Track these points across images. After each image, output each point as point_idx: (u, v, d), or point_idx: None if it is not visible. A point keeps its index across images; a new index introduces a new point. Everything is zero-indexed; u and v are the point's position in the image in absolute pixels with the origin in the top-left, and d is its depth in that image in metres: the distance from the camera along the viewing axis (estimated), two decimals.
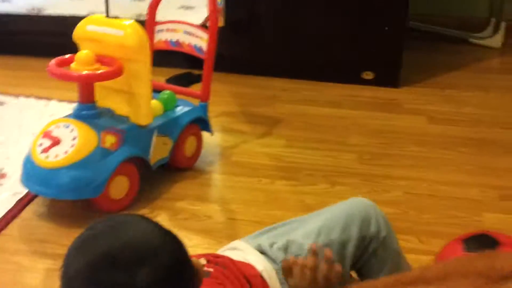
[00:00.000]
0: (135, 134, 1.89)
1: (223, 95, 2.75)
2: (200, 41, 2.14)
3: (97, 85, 1.95)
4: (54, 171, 1.75)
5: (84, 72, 1.79)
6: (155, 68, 1.95)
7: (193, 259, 1.02)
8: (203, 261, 1.29)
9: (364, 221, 1.36)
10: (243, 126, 2.47)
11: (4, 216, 1.79)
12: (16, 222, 1.80)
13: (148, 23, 2.20)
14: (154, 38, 2.21)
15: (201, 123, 2.17)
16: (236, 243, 1.38)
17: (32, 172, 1.78)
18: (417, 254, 1.62)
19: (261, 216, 1.87)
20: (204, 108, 2.15)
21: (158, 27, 2.21)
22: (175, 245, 0.96)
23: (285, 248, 1.31)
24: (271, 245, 1.32)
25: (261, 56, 2.95)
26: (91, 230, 0.94)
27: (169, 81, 2.78)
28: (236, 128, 2.45)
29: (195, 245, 1.71)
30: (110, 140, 1.81)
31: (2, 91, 2.67)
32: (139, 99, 1.89)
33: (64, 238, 1.72)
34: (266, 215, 1.88)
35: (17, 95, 2.62)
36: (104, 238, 0.91)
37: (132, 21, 1.85)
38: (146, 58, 1.86)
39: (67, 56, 1.84)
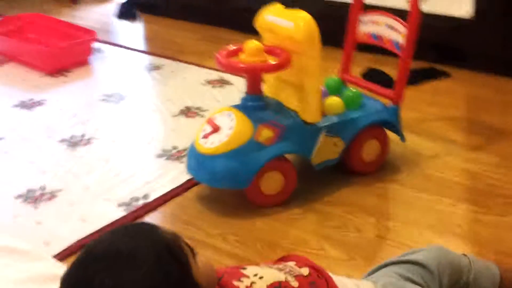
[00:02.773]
0: (297, 131, 1.81)
1: (456, 97, 2.48)
2: (399, 37, 1.95)
3: (272, 77, 1.93)
4: (208, 158, 1.78)
5: (250, 63, 1.77)
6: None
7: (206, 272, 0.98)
8: (305, 271, 1.22)
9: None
10: (458, 134, 2.20)
11: (168, 192, 1.89)
12: (177, 200, 1.88)
13: (352, 13, 2.08)
14: (358, 30, 2.08)
15: (391, 126, 1.99)
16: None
17: (193, 156, 1.84)
18: None
19: (415, 241, 1.65)
20: (394, 111, 1.96)
21: (362, 18, 2.07)
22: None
23: None
24: None
25: None
26: (87, 263, 0.92)
27: (366, 76, 2.59)
28: (449, 137, 2.19)
29: (325, 256, 1.60)
30: (266, 134, 1.77)
31: None
32: (307, 95, 1.81)
33: (206, 225, 1.75)
34: (422, 240, 1.65)
35: None
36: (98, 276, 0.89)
37: (304, 14, 1.77)
38: (315, 52, 1.76)
39: (235, 47, 1.84)
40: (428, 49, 2.75)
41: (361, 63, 2.69)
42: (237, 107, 1.84)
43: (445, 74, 2.65)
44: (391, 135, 2.02)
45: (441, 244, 1.61)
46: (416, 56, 2.70)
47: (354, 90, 1.97)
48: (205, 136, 1.81)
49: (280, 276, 1.17)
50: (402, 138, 2.01)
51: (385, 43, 2.01)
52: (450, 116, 2.34)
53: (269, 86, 1.95)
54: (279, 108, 1.86)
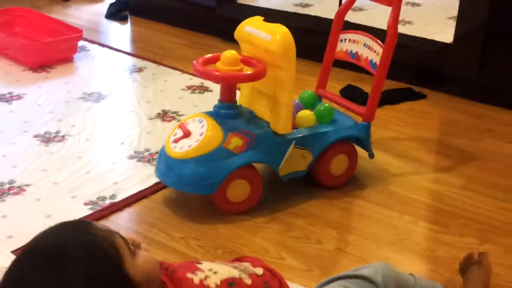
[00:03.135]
0: (267, 141, 1.84)
1: (430, 118, 2.52)
2: (376, 56, 1.99)
3: (247, 86, 1.96)
4: (176, 162, 1.80)
5: (224, 72, 1.80)
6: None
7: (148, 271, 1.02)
8: (259, 271, 1.26)
9: None
10: (428, 156, 2.24)
11: (136, 194, 1.91)
12: (144, 202, 1.90)
13: (333, 31, 2.12)
14: (337, 47, 2.12)
15: (361, 143, 2.03)
16: None
17: (162, 160, 1.86)
18: None
19: (373, 255, 1.69)
20: (365, 128, 2.00)
21: (341, 36, 2.11)
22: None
23: None
24: None
25: (491, 80, 2.61)
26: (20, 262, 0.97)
27: (343, 92, 2.65)
28: (419, 157, 2.22)
29: (283, 266, 1.62)
30: (235, 142, 1.80)
31: None
32: (280, 107, 1.84)
33: (170, 228, 1.77)
34: (380, 256, 1.69)
35: None
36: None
37: (283, 28, 1.81)
38: (290, 66, 1.80)
39: (210, 55, 1.87)
40: (407, 70, 2.80)
41: (342, 80, 2.74)
42: (209, 114, 1.87)
43: (421, 96, 2.70)
44: (360, 151, 2.06)
45: (398, 260, 1.67)
46: (396, 77, 2.79)
47: (326, 105, 2.00)
48: (176, 141, 1.84)
49: (234, 273, 1.20)
50: (371, 155, 2.05)
51: (361, 62, 2.05)
52: (422, 137, 2.37)
53: (244, 96, 1.99)
54: (251, 117, 1.89)
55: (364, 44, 2.04)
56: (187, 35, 3.32)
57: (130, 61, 2.96)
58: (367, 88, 2.57)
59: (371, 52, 2.02)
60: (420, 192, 2.01)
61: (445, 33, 2.85)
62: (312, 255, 1.69)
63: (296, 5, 3.66)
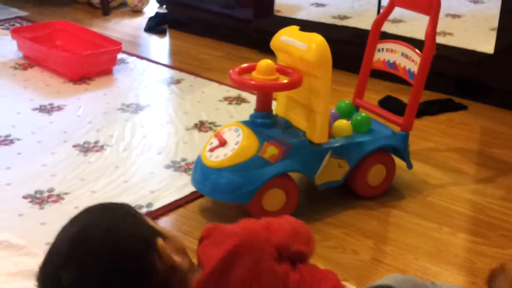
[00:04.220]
0: (303, 151, 1.83)
1: (470, 129, 2.48)
2: (414, 66, 1.97)
3: (284, 96, 1.96)
4: (212, 171, 1.80)
5: (260, 81, 1.80)
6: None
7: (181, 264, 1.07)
8: None
9: None
10: (468, 166, 2.20)
11: (172, 203, 1.92)
12: (180, 211, 1.91)
13: (370, 40, 2.10)
14: (374, 57, 2.11)
15: (399, 153, 2.01)
16: None
17: (198, 169, 1.87)
18: None
19: (410, 266, 1.67)
20: (402, 138, 1.97)
21: (379, 46, 2.09)
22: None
23: None
24: None
25: None
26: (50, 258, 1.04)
27: (382, 103, 2.62)
28: (458, 168, 2.18)
29: None
30: (271, 151, 1.80)
31: None
32: (316, 116, 1.83)
33: None
34: (418, 267, 1.66)
35: None
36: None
37: (318, 36, 1.80)
38: (326, 75, 1.79)
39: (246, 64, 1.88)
40: (448, 81, 2.77)
41: (380, 91, 2.71)
42: (245, 123, 1.87)
43: (462, 107, 2.66)
44: (399, 162, 2.03)
45: (437, 271, 1.65)
46: (436, 88, 2.76)
47: (363, 115, 1.99)
48: (212, 150, 1.84)
49: None
50: (409, 165, 2.02)
51: (399, 71, 2.03)
52: (461, 148, 2.33)
53: (280, 105, 1.98)
54: (287, 126, 1.89)
55: (402, 54, 2.02)
56: (225, 47, 3.34)
57: (168, 73, 2.99)
58: (405, 99, 2.53)
59: (409, 61, 2.00)
60: (460, 203, 1.97)
61: (487, 44, 2.80)
62: (347, 265, 1.67)
63: (334, 17, 3.66)
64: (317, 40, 1.79)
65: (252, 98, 2.57)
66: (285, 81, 1.81)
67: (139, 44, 3.51)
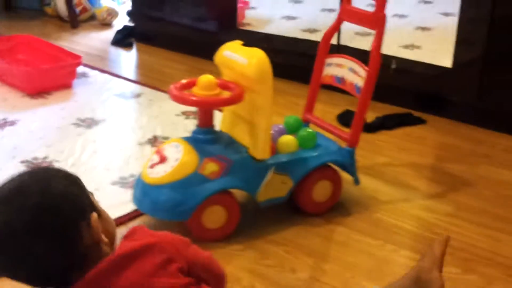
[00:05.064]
0: (245, 167, 1.81)
1: (427, 144, 2.47)
2: (361, 81, 1.95)
3: (228, 111, 1.94)
4: (151, 188, 1.78)
5: (200, 96, 1.78)
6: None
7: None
8: None
9: None
10: (419, 182, 2.18)
11: (115, 220, 1.88)
12: (121, 229, 1.87)
13: (319, 55, 2.09)
14: (323, 72, 2.09)
15: (346, 168, 1.99)
16: None
17: (138, 186, 1.84)
18: None
19: (348, 284, 1.64)
20: (349, 153, 1.96)
21: (328, 60, 2.08)
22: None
23: None
24: None
25: (490, 105, 2.55)
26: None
27: (340, 117, 2.62)
28: (409, 183, 2.16)
29: None
30: (211, 167, 1.77)
31: None
32: (258, 132, 1.81)
33: None
34: (355, 285, 1.64)
35: None
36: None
37: (259, 52, 1.78)
38: (266, 90, 1.77)
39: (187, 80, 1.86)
40: (408, 95, 2.76)
41: (339, 105, 2.70)
42: (186, 139, 1.85)
43: (420, 121, 2.64)
44: (348, 177, 2.01)
45: None
46: (396, 102, 2.75)
47: (309, 130, 1.97)
48: (152, 166, 1.82)
49: None
50: (356, 181, 2.00)
51: (346, 86, 2.02)
52: (415, 163, 2.32)
53: (225, 121, 1.97)
54: (230, 143, 1.87)
55: (349, 68, 2.01)
56: (190, 61, 3.32)
57: (129, 87, 2.96)
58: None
59: (356, 76, 1.98)
60: (407, 220, 1.95)
61: (448, 58, 2.80)
62: (285, 284, 1.65)
63: (304, 30, 3.65)
64: (257, 55, 1.77)
65: (217, 114, 2.54)
66: (225, 96, 1.79)
67: (105, 57, 3.49)
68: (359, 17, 2.00)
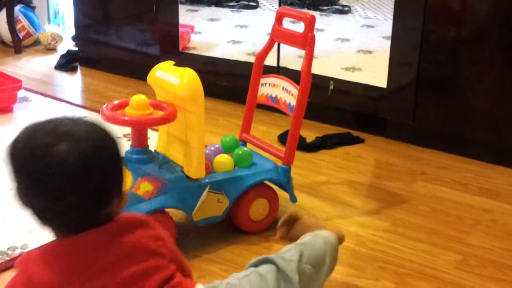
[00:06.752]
0: (179, 186, 1.82)
1: (365, 162, 2.51)
2: (293, 100, 1.99)
3: (164, 131, 1.95)
4: None
5: (132, 116, 1.79)
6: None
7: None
8: None
9: None
10: (357, 199, 2.21)
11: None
12: None
13: (253, 75, 2.12)
14: (258, 92, 2.12)
15: (282, 187, 2.01)
16: None
17: None
18: None
19: None
20: (284, 171, 1.98)
21: (262, 80, 2.11)
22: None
23: None
24: None
25: (424, 124, 2.62)
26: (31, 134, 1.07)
27: (281, 137, 2.65)
28: (347, 201, 2.20)
29: None
30: (145, 187, 1.77)
31: None
32: (192, 151, 1.83)
33: None
34: None
35: None
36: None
37: (191, 71, 1.80)
38: (199, 110, 1.79)
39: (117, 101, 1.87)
40: (347, 116, 2.80)
41: (282, 125, 2.72)
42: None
43: (359, 140, 2.69)
44: (286, 196, 2.03)
45: None
46: (336, 122, 2.79)
47: (244, 149, 1.99)
48: None
49: None
50: (293, 199, 2.02)
51: (280, 105, 2.05)
52: (353, 181, 2.35)
53: (161, 141, 1.97)
54: (165, 162, 1.87)
55: (283, 88, 2.04)
56: (134, 84, 3.32)
57: (72, 110, 2.95)
58: (305, 134, 2.57)
59: (288, 95, 2.01)
60: (346, 237, 1.97)
61: (381, 78, 2.86)
62: None
63: (248, 54, 3.68)
64: (189, 74, 1.79)
65: (152, 134, 2.54)
66: (157, 116, 1.80)
67: (49, 82, 3.47)
68: (290, 38, 2.04)
